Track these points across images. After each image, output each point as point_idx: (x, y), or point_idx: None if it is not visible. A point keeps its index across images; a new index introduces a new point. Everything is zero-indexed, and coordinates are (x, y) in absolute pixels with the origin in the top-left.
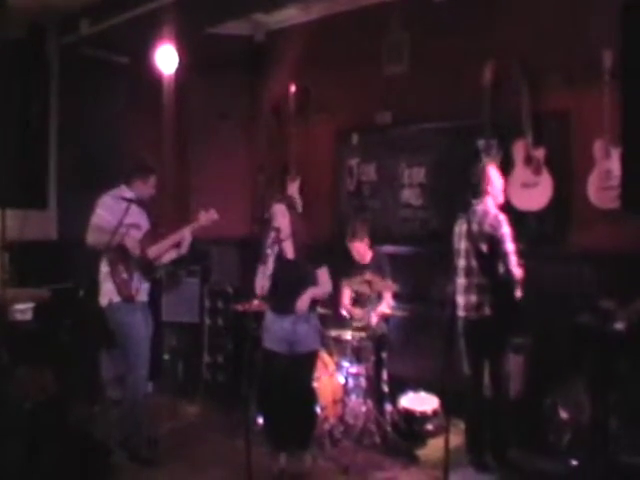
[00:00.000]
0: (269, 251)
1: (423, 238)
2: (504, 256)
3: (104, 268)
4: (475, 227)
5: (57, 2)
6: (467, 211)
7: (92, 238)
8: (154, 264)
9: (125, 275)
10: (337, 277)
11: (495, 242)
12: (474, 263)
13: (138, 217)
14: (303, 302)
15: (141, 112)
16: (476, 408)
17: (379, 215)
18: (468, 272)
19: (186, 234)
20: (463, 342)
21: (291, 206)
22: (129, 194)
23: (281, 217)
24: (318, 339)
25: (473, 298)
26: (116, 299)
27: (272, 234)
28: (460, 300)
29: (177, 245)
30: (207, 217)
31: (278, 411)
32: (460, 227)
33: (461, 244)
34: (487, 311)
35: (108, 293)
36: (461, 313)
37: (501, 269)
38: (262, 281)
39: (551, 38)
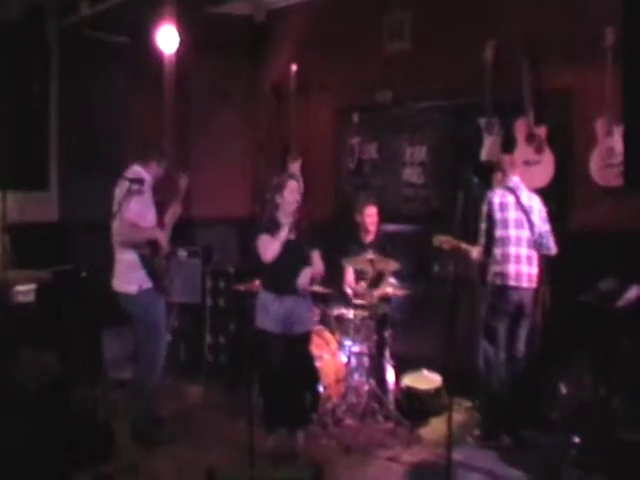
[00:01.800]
0: (285, 220)
1: (425, 216)
2: (547, 232)
3: (127, 255)
4: (526, 200)
5: None
6: (503, 185)
7: (127, 235)
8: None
9: (162, 265)
10: (339, 256)
11: (540, 218)
12: (524, 234)
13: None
14: (304, 280)
15: (142, 92)
16: (496, 382)
17: (380, 194)
18: (518, 242)
19: (177, 208)
20: (495, 311)
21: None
22: (144, 174)
23: (298, 194)
24: (313, 319)
25: (525, 268)
26: (146, 286)
27: (294, 207)
28: (506, 269)
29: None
30: (182, 183)
31: (278, 392)
32: (501, 198)
33: (509, 214)
34: (534, 283)
35: (137, 280)
36: (499, 281)
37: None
38: (274, 247)
39: (553, 16)
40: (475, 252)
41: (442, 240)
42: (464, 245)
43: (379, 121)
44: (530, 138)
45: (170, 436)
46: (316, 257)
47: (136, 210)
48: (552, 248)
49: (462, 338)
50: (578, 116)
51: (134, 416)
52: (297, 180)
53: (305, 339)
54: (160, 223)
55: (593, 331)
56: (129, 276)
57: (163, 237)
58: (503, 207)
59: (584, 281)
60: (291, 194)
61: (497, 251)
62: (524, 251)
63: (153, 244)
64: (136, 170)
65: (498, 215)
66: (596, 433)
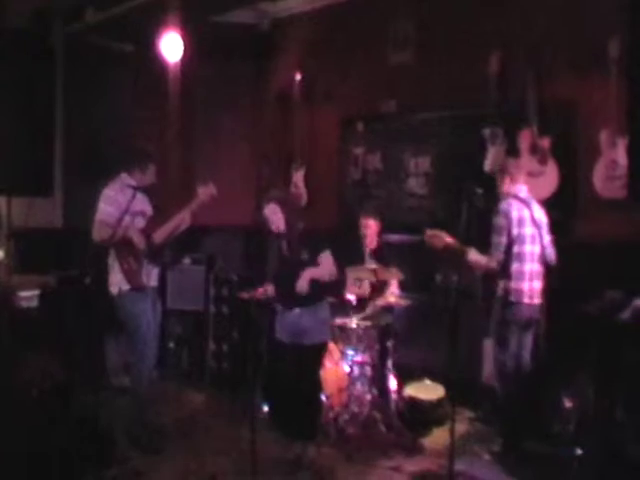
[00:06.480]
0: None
1: (428, 227)
2: (550, 243)
3: (111, 257)
4: (537, 214)
5: None
6: (518, 197)
7: (97, 235)
8: (161, 248)
9: (134, 265)
10: (342, 265)
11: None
12: (537, 249)
13: (142, 204)
14: (302, 283)
15: (146, 100)
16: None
17: (384, 204)
18: (532, 258)
19: (186, 214)
20: (506, 324)
21: (283, 202)
22: (132, 182)
23: (274, 217)
24: (325, 331)
25: (537, 284)
26: (125, 287)
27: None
28: (521, 286)
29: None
30: (205, 192)
31: (282, 400)
32: (519, 212)
33: (526, 229)
34: (541, 298)
35: (117, 282)
36: (513, 298)
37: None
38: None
39: (558, 27)
40: (473, 255)
41: (433, 235)
42: (458, 245)
43: (383, 131)
44: (534, 149)
45: (167, 443)
46: (325, 259)
47: (108, 211)
48: (554, 259)
49: (464, 348)
50: (582, 128)
51: (130, 422)
52: (275, 201)
53: (314, 351)
54: (151, 227)
55: (596, 343)
56: (112, 277)
57: (136, 236)
58: (521, 222)
59: (587, 292)
60: (269, 221)
61: (513, 267)
62: (536, 267)
63: (128, 242)
64: (124, 178)
65: (515, 231)
66: (599, 446)
